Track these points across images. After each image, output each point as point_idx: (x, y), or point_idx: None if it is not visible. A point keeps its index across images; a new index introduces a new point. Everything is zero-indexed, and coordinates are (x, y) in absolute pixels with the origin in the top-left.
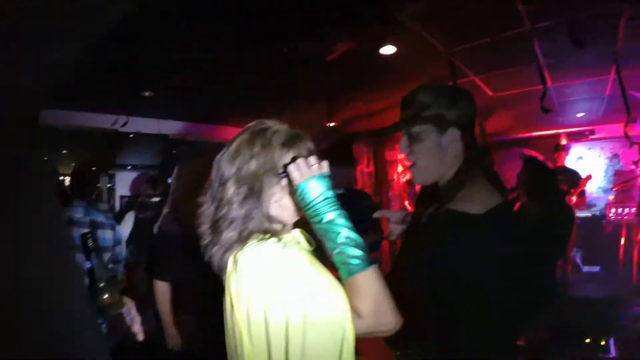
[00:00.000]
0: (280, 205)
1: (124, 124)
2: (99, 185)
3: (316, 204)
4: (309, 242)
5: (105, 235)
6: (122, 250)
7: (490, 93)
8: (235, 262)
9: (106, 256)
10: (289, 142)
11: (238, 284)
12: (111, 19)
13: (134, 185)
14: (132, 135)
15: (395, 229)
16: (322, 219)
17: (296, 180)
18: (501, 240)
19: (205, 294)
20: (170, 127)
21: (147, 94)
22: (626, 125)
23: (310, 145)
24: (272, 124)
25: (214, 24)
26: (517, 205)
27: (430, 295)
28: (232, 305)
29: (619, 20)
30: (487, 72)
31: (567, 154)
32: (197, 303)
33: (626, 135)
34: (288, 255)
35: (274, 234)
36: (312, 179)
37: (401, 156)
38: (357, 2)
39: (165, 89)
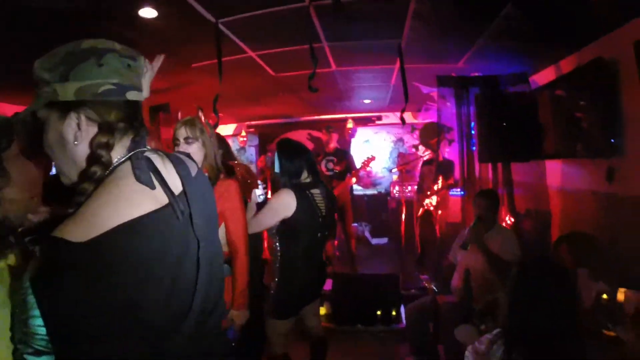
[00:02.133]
0: None
1: None
2: None
3: None
4: None
5: None
6: None
7: (272, 73)
8: None
9: None
10: None
11: None
12: None
13: None
14: None
15: None
16: None
17: None
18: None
19: None
20: None
21: None
22: (402, 111)
23: None
24: None
25: None
26: None
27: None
28: None
29: (406, 12)
30: (266, 49)
31: (353, 136)
32: None
33: (402, 120)
34: None
35: None
36: None
37: None
38: None
39: None
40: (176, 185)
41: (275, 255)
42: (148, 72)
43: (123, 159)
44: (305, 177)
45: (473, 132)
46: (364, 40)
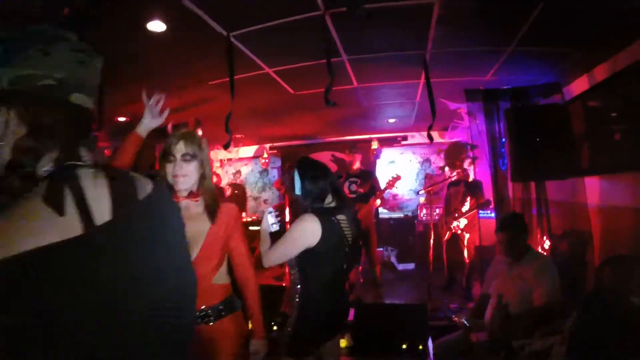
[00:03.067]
0: None
1: None
2: None
3: None
4: None
5: None
6: None
7: (291, 91)
8: None
9: None
10: None
11: None
12: None
13: None
14: None
15: None
16: None
17: None
18: None
19: None
20: None
21: None
22: (429, 128)
23: None
24: None
25: None
26: None
27: None
28: None
29: (429, 20)
30: (283, 65)
31: (378, 157)
32: None
33: (429, 137)
34: None
35: None
36: None
37: None
38: None
39: None
40: (102, 212)
41: (295, 287)
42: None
43: (46, 173)
44: (329, 200)
45: (503, 149)
46: (386, 53)
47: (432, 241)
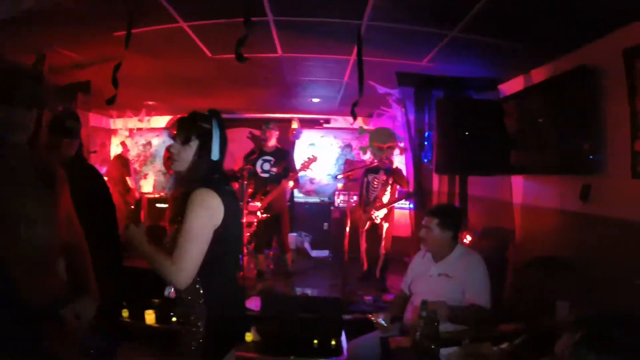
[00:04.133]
0: None
1: None
2: None
3: None
4: None
5: None
6: None
7: (209, 54)
8: None
9: None
10: None
11: None
12: None
13: None
14: None
15: None
16: None
17: None
18: None
19: None
20: None
21: None
22: (354, 105)
23: None
24: None
25: None
26: None
27: None
28: None
29: None
30: (197, 19)
31: (297, 138)
32: None
33: (353, 114)
34: None
35: None
36: None
37: None
38: None
39: None
40: None
41: (194, 287)
42: None
43: None
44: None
45: (426, 142)
46: (319, 19)
47: (347, 229)
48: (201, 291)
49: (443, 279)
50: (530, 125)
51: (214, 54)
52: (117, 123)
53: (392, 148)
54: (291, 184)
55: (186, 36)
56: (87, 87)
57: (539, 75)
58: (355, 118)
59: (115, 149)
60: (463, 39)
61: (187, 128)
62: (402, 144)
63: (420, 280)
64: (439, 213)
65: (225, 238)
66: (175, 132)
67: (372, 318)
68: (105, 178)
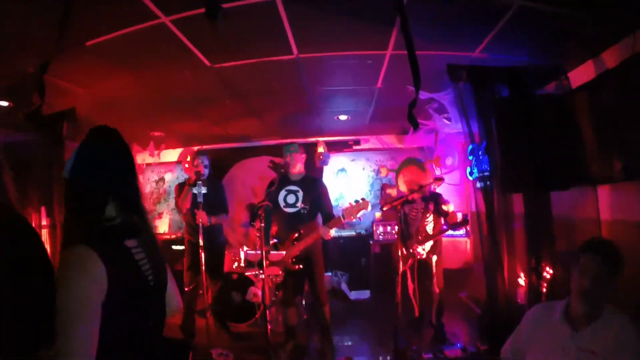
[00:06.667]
0: None
1: None
2: None
3: None
4: None
5: None
6: None
7: (208, 63)
8: None
9: None
10: None
11: None
12: None
13: None
14: None
15: None
16: None
17: None
18: None
19: None
20: None
21: None
22: (412, 107)
23: None
24: None
25: None
26: None
27: None
28: None
29: None
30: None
31: (325, 164)
32: None
33: (412, 122)
34: None
35: None
36: None
37: None
38: None
39: None
40: None
41: None
42: None
43: None
44: (112, 214)
45: (480, 152)
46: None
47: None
48: None
49: (587, 358)
50: (606, 122)
51: (212, 64)
52: None
53: (424, 187)
54: (333, 232)
55: (186, 49)
56: (72, 116)
57: (612, 57)
58: (416, 127)
59: None
60: (516, 29)
61: None
62: (439, 171)
63: (545, 353)
64: (602, 250)
65: (115, 307)
66: None
67: None
68: None
